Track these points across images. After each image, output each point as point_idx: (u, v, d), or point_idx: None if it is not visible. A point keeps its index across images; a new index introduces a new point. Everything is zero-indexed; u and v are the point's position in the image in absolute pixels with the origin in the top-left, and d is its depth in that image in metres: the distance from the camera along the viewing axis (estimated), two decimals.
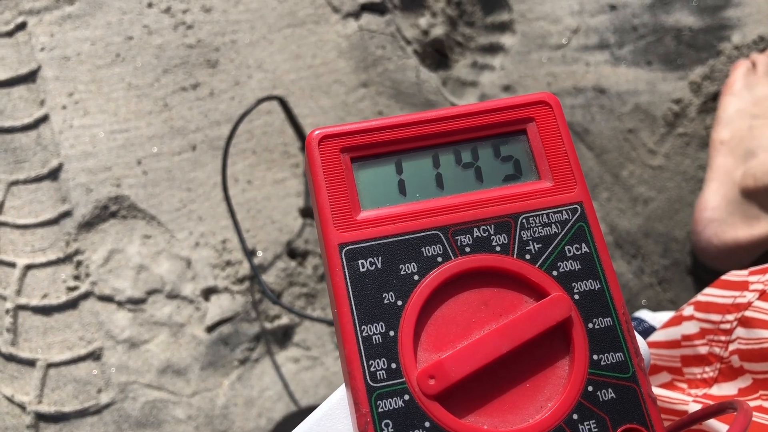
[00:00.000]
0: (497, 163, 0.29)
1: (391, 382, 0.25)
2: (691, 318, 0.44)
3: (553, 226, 0.27)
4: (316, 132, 0.28)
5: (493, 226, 0.27)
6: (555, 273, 0.27)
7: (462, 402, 0.25)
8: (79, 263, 0.79)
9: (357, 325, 0.25)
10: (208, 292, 0.78)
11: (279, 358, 0.77)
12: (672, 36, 0.91)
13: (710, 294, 0.44)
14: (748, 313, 0.40)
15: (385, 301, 0.26)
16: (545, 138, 0.29)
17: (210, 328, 0.77)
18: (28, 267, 0.79)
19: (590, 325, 0.26)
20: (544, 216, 0.28)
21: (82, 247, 0.79)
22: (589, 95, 0.88)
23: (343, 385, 0.27)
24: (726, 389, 0.41)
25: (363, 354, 0.25)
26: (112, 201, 0.81)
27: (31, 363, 0.76)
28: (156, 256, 0.79)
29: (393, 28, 0.89)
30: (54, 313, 0.77)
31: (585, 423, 0.24)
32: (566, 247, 0.27)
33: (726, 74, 0.88)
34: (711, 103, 0.88)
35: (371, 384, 0.25)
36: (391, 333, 0.25)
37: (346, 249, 0.27)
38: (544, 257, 0.27)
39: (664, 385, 0.46)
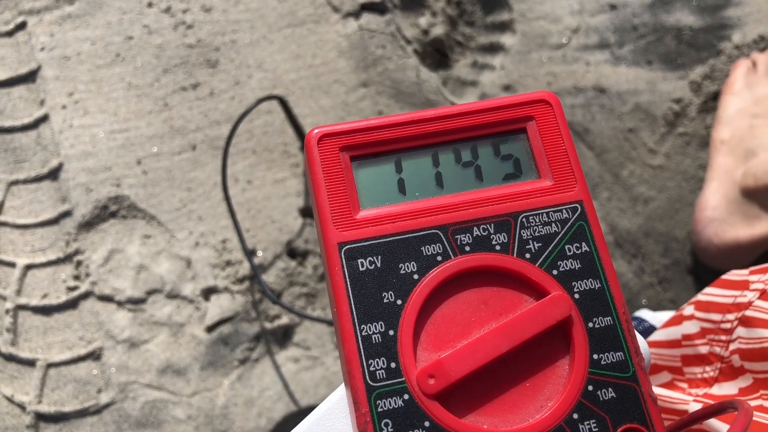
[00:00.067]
0: (497, 161, 0.29)
1: (390, 382, 0.25)
2: (691, 317, 0.44)
3: (553, 225, 0.27)
4: (316, 131, 0.28)
5: (492, 225, 0.27)
6: (555, 272, 0.26)
7: (462, 401, 0.25)
8: (79, 263, 0.79)
9: (356, 325, 0.25)
10: (208, 292, 0.78)
11: (279, 358, 0.77)
12: (672, 35, 0.91)
13: (711, 293, 0.44)
14: (748, 313, 0.40)
15: (385, 301, 0.26)
16: (545, 137, 0.29)
17: (210, 328, 0.77)
18: (28, 267, 0.78)
19: (590, 325, 0.26)
20: (544, 215, 0.27)
21: (82, 246, 0.79)
22: (589, 95, 0.88)
23: (343, 384, 0.27)
24: (726, 389, 0.40)
25: (362, 353, 0.25)
26: (112, 201, 0.80)
27: (31, 363, 0.76)
28: (156, 256, 0.79)
29: (393, 27, 0.89)
30: (54, 313, 0.77)
31: (585, 422, 0.24)
32: (566, 246, 0.27)
33: (726, 74, 0.88)
34: (711, 103, 0.87)
35: (371, 383, 0.25)
36: (391, 332, 0.25)
37: (345, 248, 0.26)
38: (544, 256, 0.27)
39: (664, 385, 0.46)
